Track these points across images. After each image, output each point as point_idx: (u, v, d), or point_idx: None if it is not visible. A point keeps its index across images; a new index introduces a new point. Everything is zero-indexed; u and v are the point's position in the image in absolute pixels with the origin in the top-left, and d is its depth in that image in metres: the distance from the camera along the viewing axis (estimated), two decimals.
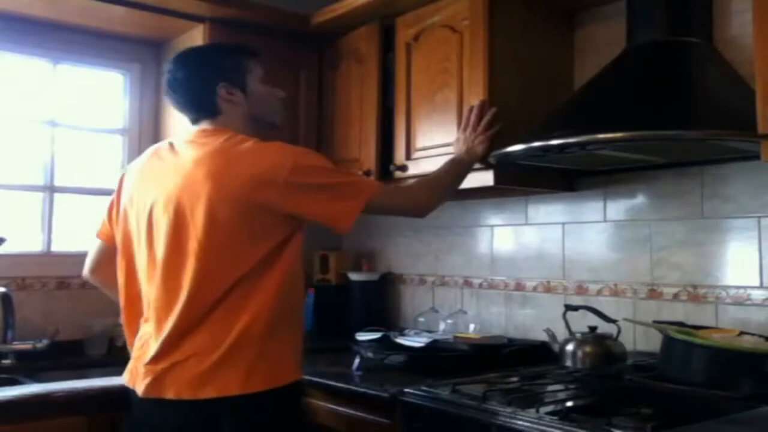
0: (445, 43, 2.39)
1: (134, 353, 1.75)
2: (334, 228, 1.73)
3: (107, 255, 1.91)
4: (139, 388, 1.65)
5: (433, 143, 2.41)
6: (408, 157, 2.50)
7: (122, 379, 1.77)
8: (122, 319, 1.85)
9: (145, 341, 1.70)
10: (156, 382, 1.62)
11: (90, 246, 1.99)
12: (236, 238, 1.62)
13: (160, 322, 1.65)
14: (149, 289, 1.71)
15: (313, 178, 1.67)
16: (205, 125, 1.78)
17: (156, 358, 1.63)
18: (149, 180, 1.75)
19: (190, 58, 1.84)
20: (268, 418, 1.63)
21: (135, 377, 1.70)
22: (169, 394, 1.60)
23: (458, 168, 2.12)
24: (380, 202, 1.80)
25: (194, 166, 1.66)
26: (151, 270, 1.70)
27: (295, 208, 1.65)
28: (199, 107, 1.79)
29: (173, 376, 1.60)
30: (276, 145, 1.70)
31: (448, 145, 2.30)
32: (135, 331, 1.78)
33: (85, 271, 1.99)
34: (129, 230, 1.79)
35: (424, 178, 2.08)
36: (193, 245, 1.62)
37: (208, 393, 1.57)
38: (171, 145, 1.79)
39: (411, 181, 2.37)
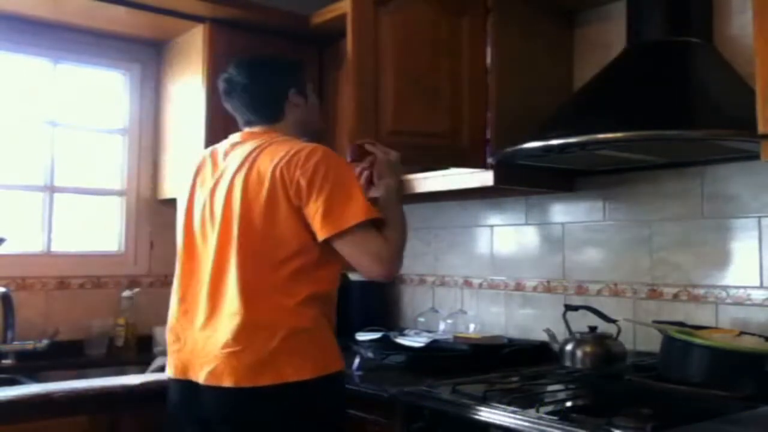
0: None
1: (176, 345, 1.81)
2: (316, 233, 1.73)
3: None
4: (201, 377, 1.71)
5: None
6: None
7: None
8: (180, 306, 1.85)
9: (190, 332, 1.77)
10: (215, 371, 1.69)
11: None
12: (284, 230, 1.72)
13: (212, 313, 1.74)
14: (197, 282, 1.81)
15: (331, 182, 1.72)
16: (257, 128, 1.90)
17: (213, 349, 1.70)
18: (201, 179, 1.88)
19: (266, 64, 1.96)
20: (319, 404, 1.73)
21: (186, 368, 1.76)
22: (227, 383, 1.67)
23: (397, 210, 1.90)
24: (361, 238, 1.74)
25: (242, 163, 1.78)
26: (203, 263, 1.80)
27: (307, 206, 1.72)
28: (266, 110, 1.90)
29: (232, 365, 1.68)
30: (313, 146, 1.79)
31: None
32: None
33: None
34: (187, 230, 1.90)
35: (392, 242, 1.81)
36: (234, 238, 1.73)
37: (266, 380, 1.67)
38: (218, 149, 1.91)
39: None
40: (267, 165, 1.74)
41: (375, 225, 1.76)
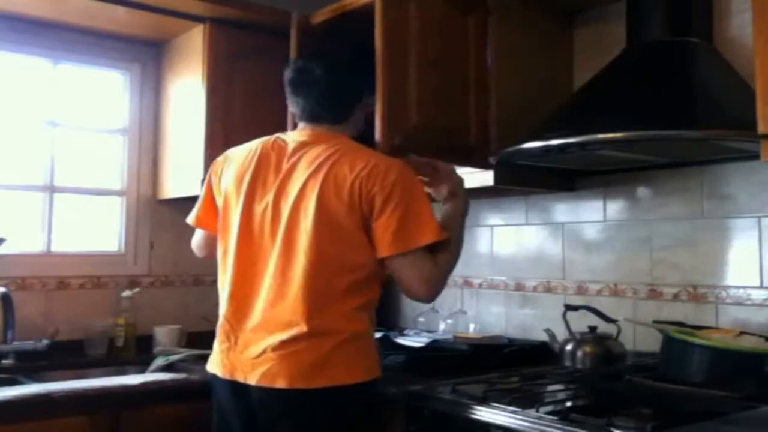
0: None
1: (226, 344, 1.80)
2: (378, 248, 1.75)
3: (210, 239, 1.99)
4: (251, 378, 1.72)
5: None
6: None
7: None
8: (229, 306, 1.82)
9: (241, 333, 1.77)
10: (269, 372, 1.70)
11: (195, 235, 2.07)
12: (355, 239, 1.73)
13: (268, 314, 1.74)
14: (253, 281, 1.78)
15: (407, 199, 1.72)
16: (322, 129, 1.85)
17: (267, 350, 1.71)
18: (263, 174, 1.81)
19: (346, 62, 1.91)
20: (363, 407, 1.78)
21: (235, 368, 1.76)
22: (281, 384, 1.69)
23: (458, 232, 1.88)
24: (439, 257, 1.77)
25: (310, 166, 1.75)
26: (261, 262, 1.77)
27: (372, 217, 1.72)
28: (337, 109, 1.86)
29: (286, 366, 1.69)
30: (392, 160, 1.78)
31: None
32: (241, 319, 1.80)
33: (200, 254, 2.10)
34: (243, 227, 1.81)
35: (442, 266, 1.82)
36: (303, 241, 1.71)
37: (319, 382, 1.69)
38: (284, 141, 1.85)
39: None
40: (346, 174, 1.72)
41: (431, 246, 1.76)
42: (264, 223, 1.78)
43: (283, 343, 1.69)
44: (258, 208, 1.79)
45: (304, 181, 1.74)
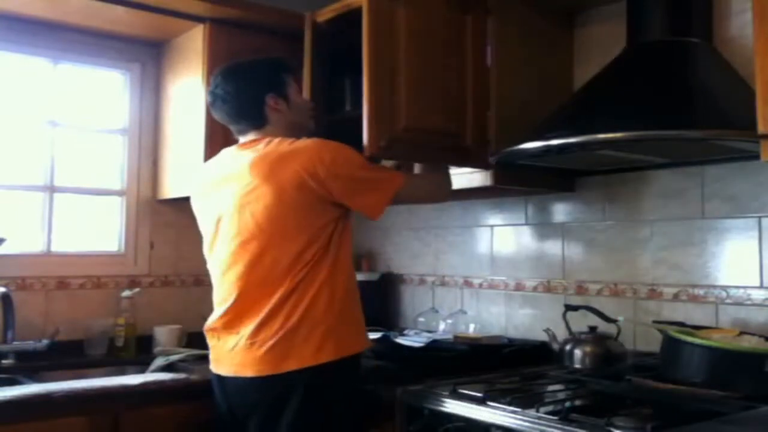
0: None
1: (212, 341, 1.96)
2: (367, 216, 1.93)
3: None
4: (227, 371, 1.88)
5: None
6: None
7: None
8: (216, 307, 1.98)
9: (224, 330, 1.90)
10: (239, 363, 1.84)
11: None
12: (292, 229, 1.82)
13: (236, 310, 1.87)
14: (221, 284, 1.93)
15: (349, 171, 1.85)
16: (251, 136, 1.96)
17: (238, 342, 1.84)
18: (211, 188, 1.97)
19: (239, 72, 2.00)
20: (337, 387, 1.84)
21: (218, 362, 1.92)
22: (249, 372, 1.82)
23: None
24: (406, 194, 1.98)
25: (248, 169, 1.85)
26: (225, 268, 1.90)
27: (338, 196, 1.84)
28: (248, 117, 1.96)
29: (252, 355, 1.81)
30: (317, 141, 1.88)
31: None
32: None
33: None
34: (208, 239, 2.00)
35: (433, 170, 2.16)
36: (254, 244, 1.83)
37: (287, 366, 1.79)
38: (224, 155, 2.01)
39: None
40: (278, 172, 1.81)
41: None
42: (219, 234, 1.92)
43: (250, 334, 1.82)
44: (214, 221, 1.94)
45: (241, 189, 1.85)
